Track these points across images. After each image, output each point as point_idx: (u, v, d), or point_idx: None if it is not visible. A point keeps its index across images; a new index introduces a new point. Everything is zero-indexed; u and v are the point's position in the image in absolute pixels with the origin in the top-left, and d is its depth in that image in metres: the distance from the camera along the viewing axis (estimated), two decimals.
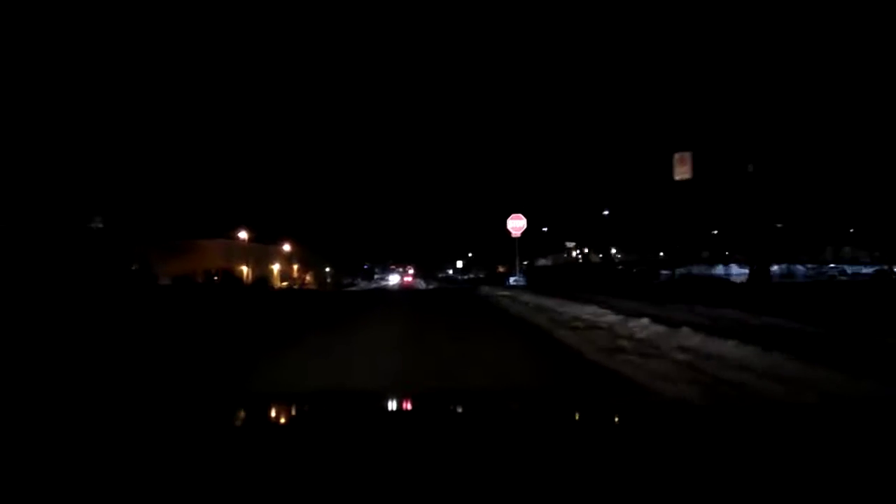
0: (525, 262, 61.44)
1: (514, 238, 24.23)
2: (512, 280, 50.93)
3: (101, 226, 36.51)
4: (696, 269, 67.70)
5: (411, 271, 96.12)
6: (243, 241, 57.04)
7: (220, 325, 11.81)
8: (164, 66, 73.18)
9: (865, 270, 52.93)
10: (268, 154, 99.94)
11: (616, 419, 1.64)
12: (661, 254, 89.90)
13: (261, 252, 63.38)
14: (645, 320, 8.03)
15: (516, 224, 24.01)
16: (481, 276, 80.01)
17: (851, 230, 70.68)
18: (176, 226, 50.98)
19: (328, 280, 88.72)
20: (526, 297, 15.91)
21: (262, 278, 55.53)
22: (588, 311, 10.53)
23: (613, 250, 69.68)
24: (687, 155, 13.68)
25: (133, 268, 37.03)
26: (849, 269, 55.84)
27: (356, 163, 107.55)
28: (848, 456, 1.06)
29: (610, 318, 9.28)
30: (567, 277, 32.84)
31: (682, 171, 13.59)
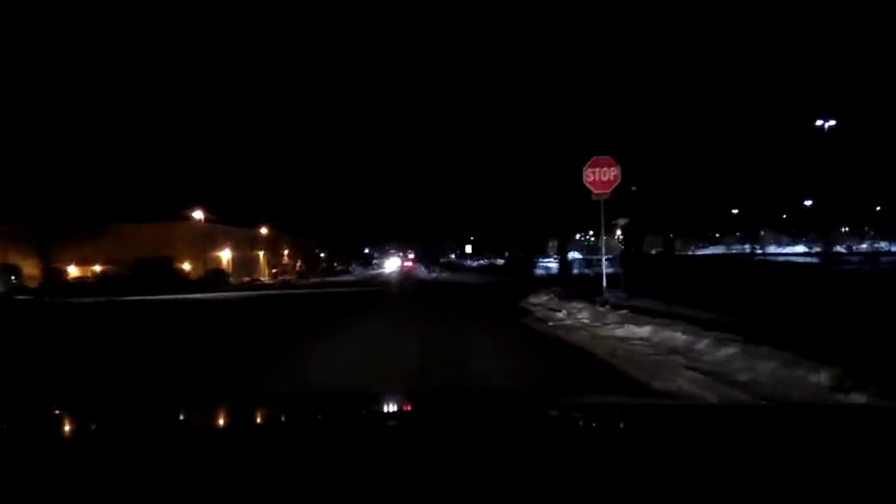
0: (532, 253, 49.08)
1: (598, 200, 12.42)
2: (543, 264, 38.53)
3: None
4: (712, 251, 57.57)
5: (411, 256, 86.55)
6: (199, 222, 45.02)
7: None
8: (116, 31, 61.70)
9: None
10: (251, 127, 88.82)
11: (622, 420, 1.52)
12: (671, 236, 79.19)
13: (238, 237, 51.83)
14: None
15: (604, 175, 12.14)
16: (492, 261, 68.95)
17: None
18: (123, 207, 38.88)
19: (322, 266, 78.34)
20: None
21: (217, 270, 43.78)
22: None
23: (619, 233, 58.07)
24: None
25: None
26: None
27: (350, 139, 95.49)
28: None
29: None
30: (651, 273, 21.28)
31: None
